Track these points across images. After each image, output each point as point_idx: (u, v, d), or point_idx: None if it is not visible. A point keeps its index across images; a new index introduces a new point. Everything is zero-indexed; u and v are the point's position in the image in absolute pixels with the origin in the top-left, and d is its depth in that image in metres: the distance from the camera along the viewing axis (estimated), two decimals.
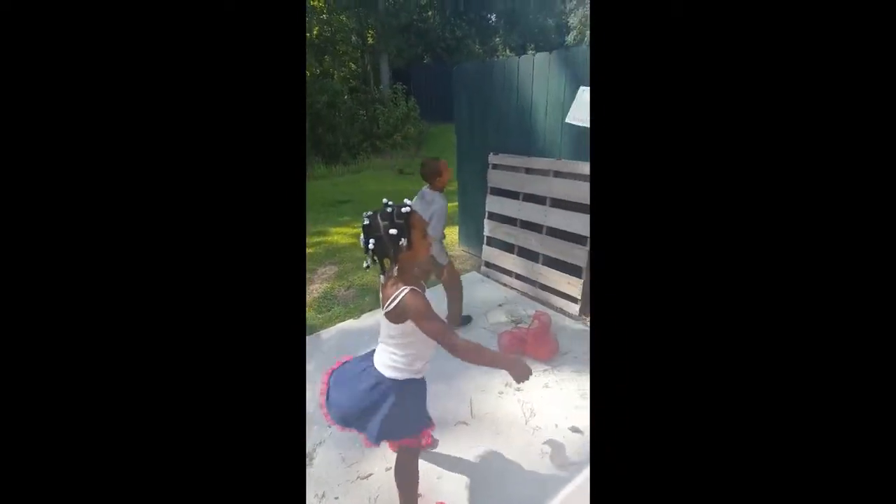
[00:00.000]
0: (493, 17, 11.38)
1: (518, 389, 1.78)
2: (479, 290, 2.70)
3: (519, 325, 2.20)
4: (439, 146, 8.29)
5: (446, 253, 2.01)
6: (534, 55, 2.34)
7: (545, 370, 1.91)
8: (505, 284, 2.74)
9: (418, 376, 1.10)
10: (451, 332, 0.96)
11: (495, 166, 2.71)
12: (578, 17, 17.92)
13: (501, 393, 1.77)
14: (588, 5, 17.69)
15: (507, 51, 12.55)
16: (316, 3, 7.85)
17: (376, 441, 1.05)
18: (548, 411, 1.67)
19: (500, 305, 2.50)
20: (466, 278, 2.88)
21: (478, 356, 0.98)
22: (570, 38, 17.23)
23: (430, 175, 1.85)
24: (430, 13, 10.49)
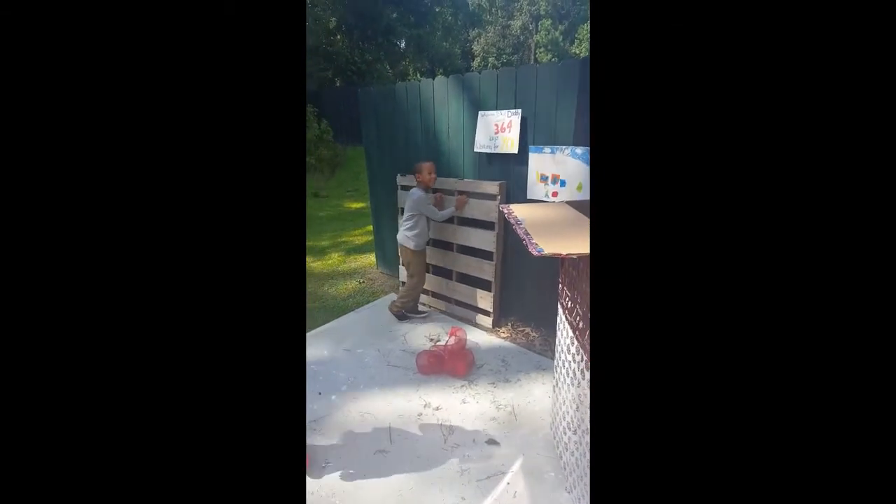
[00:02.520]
0: (403, 44, 11.78)
1: (437, 409, 1.77)
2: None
3: (437, 344, 2.21)
4: (355, 168, 8.19)
5: (425, 235, 2.42)
6: (433, 80, 2.45)
7: (462, 386, 1.93)
8: (421, 303, 2.75)
9: None
10: None
11: (403, 187, 2.74)
12: (481, 44, 19.52)
13: (420, 415, 1.74)
14: (488, 35, 19.40)
15: (418, 74, 13.02)
16: None
17: None
18: (466, 427, 1.68)
19: (417, 323, 2.49)
20: (385, 300, 2.83)
21: None
22: (475, 64, 18.57)
23: (415, 174, 2.33)
24: (338, 37, 10.47)
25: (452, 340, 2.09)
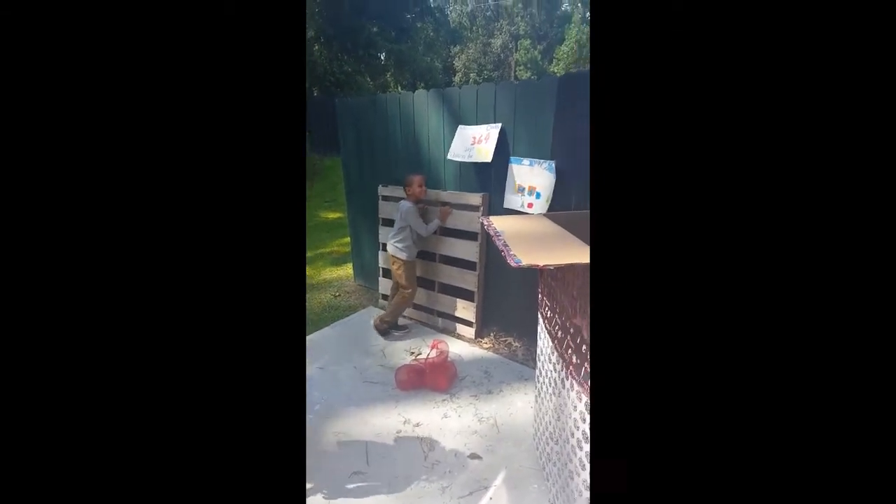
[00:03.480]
0: (383, 56, 11.87)
1: (417, 425, 1.73)
2: None
3: (418, 358, 2.17)
4: (333, 179, 8.11)
5: (415, 245, 2.38)
6: (413, 93, 2.47)
7: (444, 400, 1.89)
8: (403, 316, 2.71)
9: None
10: None
11: (385, 198, 2.73)
12: (463, 60, 19.96)
13: (399, 432, 1.70)
14: (470, 51, 19.88)
15: (399, 87, 13.14)
16: None
17: None
18: (447, 442, 1.64)
19: (399, 337, 2.45)
20: (364, 313, 2.77)
21: None
22: (456, 79, 18.92)
23: (405, 186, 2.33)
24: (316, 47, 10.46)
25: (434, 353, 2.06)
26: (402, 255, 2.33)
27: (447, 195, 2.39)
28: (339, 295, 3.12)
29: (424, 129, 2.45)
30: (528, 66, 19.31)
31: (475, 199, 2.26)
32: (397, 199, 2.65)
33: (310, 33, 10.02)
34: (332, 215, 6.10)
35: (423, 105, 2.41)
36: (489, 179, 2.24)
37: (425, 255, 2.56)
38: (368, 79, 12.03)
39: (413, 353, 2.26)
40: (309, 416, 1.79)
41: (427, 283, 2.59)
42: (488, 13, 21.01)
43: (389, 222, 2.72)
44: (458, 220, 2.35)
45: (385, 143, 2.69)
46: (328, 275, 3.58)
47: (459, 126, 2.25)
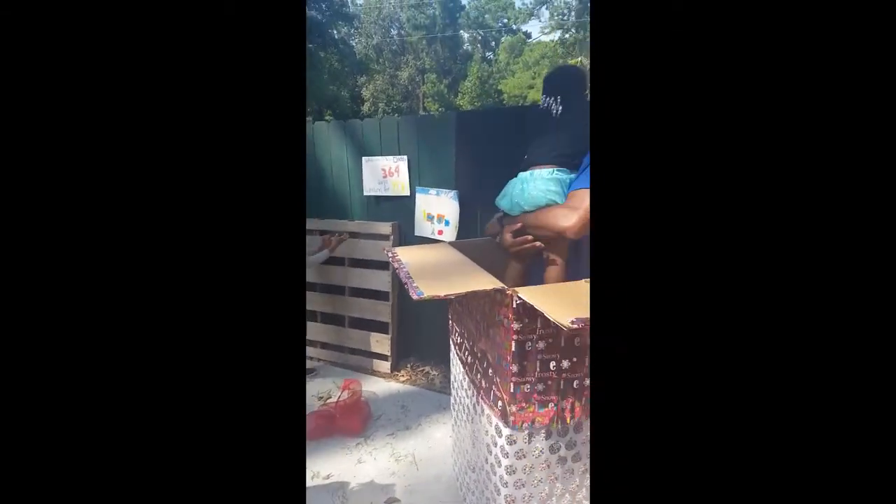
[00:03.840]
0: None
1: (327, 478, 1.58)
2: None
3: (327, 402, 2.01)
4: None
5: None
6: (313, 124, 2.40)
7: (357, 444, 1.77)
8: (309, 357, 2.51)
9: None
10: None
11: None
12: (370, 90, 20.26)
13: (308, 487, 1.53)
14: (377, 82, 20.29)
15: (306, 117, 12.80)
16: None
17: None
18: (363, 490, 1.52)
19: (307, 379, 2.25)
20: None
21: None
22: (365, 108, 19.09)
23: None
24: None
25: (346, 395, 1.93)
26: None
27: (355, 225, 2.33)
28: None
29: (327, 160, 2.38)
30: (436, 98, 20.36)
31: (385, 227, 2.24)
32: (317, 233, 2.51)
33: None
34: None
35: (325, 137, 2.36)
36: (399, 208, 2.25)
37: (333, 289, 2.44)
38: None
39: (321, 397, 2.09)
40: None
41: (336, 319, 2.46)
42: (394, 47, 21.82)
43: None
44: (370, 250, 2.30)
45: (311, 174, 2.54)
46: None
47: (364, 157, 2.24)
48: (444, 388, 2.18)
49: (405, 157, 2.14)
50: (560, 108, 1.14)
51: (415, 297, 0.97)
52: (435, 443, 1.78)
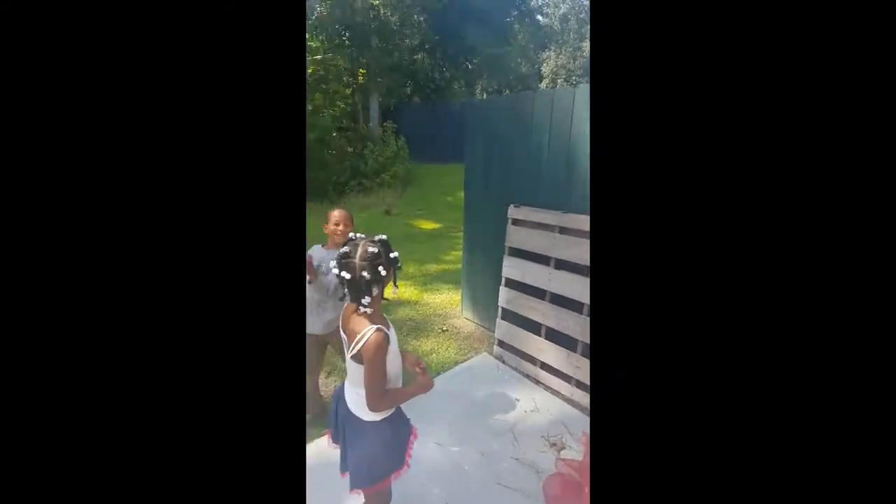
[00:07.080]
0: (475, 62, 11.61)
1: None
2: (493, 386, 2.04)
3: (562, 452, 1.56)
4: (423, 187, 7.92)
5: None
6: (574, 88, 1.87)
7: None
8: (528, 376, 2.11)
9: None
10: (380, 395, 0.97)
11: (516, 222, 2.17)
12: (550, 66, 19.02)
13: None
14: (558, 57, 18.82)
15: (485, 94, 12.79)
16: (313, 43, 7.62)
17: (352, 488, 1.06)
18: None
19: (528, 413, 1.86)
20: (474, 362, 2.24)
21: (394, 402, 1.04)
22: (542, 85, 18.09)
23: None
24: (420, 55, 10.56)
25: (586, 450, 1.44)
26: (317, 329, 1.63)
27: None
28: (448, 329, 2.64)
29: (582, 140, 1.84)
30: None
31: None
32: (533, 226, 2.08)
33: (415, 41, 10.17)
34: (427, 225, 5.77)
35: (583, 106, 1.80)
36: None
37: (568, 304, 1.94)
38: (464, 85, 11.91)
39: (555, 444, 1.65)
40: None
41: (567, 341, 1.96)
42: (582, 15, 19.68)
43: (518, 252, 2.17)
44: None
45: (525, 154, 2.13)
46: (432, 298, 3.13)
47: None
48: None
49: None
50: None
51: None
52: None
